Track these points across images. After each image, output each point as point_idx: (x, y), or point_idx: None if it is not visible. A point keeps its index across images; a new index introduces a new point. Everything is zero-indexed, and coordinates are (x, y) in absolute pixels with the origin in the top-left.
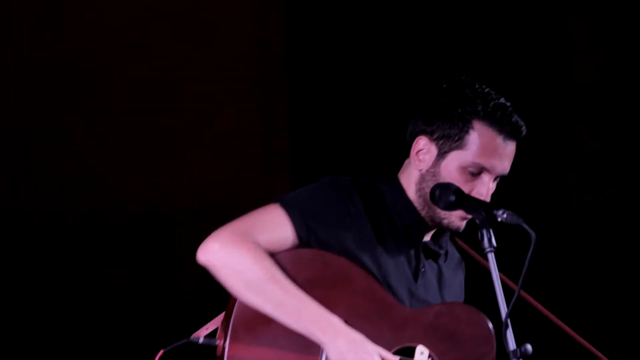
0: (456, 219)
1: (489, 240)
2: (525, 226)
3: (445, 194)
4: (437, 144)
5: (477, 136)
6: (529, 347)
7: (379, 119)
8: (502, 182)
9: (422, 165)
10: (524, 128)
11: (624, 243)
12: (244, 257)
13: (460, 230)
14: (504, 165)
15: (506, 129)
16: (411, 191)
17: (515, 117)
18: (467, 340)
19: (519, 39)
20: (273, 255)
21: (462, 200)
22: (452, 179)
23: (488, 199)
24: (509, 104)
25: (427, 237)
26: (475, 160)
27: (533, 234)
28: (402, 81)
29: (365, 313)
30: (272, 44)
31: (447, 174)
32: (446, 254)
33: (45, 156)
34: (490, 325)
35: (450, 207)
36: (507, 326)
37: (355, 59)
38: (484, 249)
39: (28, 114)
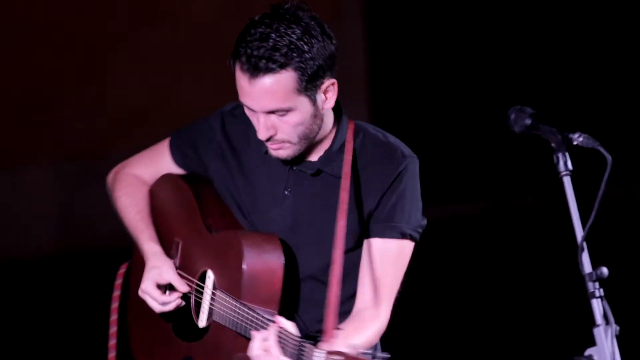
0: (270, 149)
1: (565, 163)
2: (602, 149)
3: (521, 117)
4: None
5: (236, 77)
6: (604, 270)
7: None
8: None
9: None
10: (266, 60)
11: None
12: (112, 188)
13: (282, 158)
14: (258, 104)
15: (245, 67)
16: None
17: (257, 51)
18: (233, 267)
19: None
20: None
21: (538, 123)
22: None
23: (264, 135)
24: (268, 39)
25: (314, 158)
26: (239, 100)
27: (609, 157)
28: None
29: (188, 239)
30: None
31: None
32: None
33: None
34: (245, 252)
35: (525, 130)
36: (582, 249)
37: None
38: (559, 172)
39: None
